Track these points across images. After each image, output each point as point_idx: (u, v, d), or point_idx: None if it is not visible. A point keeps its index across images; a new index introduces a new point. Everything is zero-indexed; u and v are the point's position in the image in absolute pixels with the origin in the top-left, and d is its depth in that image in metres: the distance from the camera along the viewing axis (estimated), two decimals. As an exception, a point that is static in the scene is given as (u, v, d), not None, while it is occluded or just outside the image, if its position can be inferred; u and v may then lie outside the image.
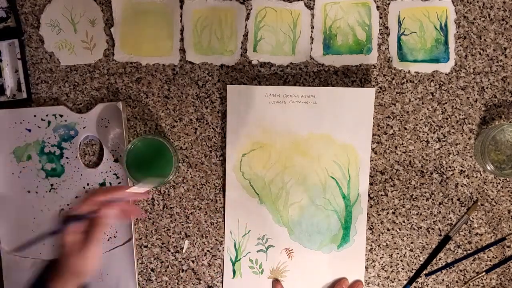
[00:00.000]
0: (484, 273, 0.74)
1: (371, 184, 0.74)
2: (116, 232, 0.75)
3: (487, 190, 0.74)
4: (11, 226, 0.75)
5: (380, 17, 0.75)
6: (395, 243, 0.75)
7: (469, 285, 0.74)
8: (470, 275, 0.74)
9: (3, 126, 0.75)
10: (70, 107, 0.76)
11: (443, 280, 0.74)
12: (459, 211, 0.74)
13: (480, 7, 0.75)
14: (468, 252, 0.74)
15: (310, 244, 0.74)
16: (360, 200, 0.74)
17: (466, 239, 0.74)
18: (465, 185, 0.74)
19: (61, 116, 0.75)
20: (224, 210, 0.75)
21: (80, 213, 0.59)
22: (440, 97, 0.74)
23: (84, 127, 0.75)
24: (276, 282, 0.74)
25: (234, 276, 0.75)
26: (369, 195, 0.74)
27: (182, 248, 0.75)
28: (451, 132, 0.74)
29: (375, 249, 0.75)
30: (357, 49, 0.75)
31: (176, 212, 0.75)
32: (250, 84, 0.75)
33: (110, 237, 0.75)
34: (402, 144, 0.75)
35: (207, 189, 0.75)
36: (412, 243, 0.74)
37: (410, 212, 0.74)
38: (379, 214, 0.75)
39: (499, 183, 0.74)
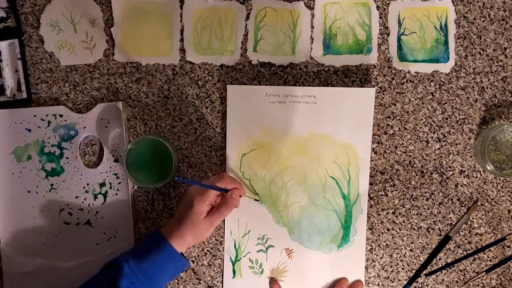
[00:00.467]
0: (484, 273, 0.74)
1: (371, 184, 0.74)
2: (116, 232, 0.75)
3: (487, 190, 0.74)
4: (11, 226, 0.75)
5: (380, 17, 0.75)
6: (395, 243, 0.75)
7: (469, 285, 0.74)
8: (470, 275, 0.74)
9: (3, 126, 0.75)
10: (70, 107, 0.76)
11: (443, 280, 0.74)
12: (459, 211, 0.74)
13: (480, 7, 0.75)
14: (468, 252, 0.74)
15: (310, 244, 0.74)
16: (360, 200, 0.74)
17: (466, 239, 0.74)
18: (465, 185, 0.74)
19: (61, 116, 0.75)
20: (224, 210, 0.75)
21: (220, 186, 0.68)
22: (440, 97, 0.74)
23: (84, 127, 0.75)
24: (273, 281, 0.74)
25: (234, 276, 0.75)
26: (369, 195, 0.74)
27: (182, 248, 0.75)
28: (451, 132, 0.74)
29: (375, 249, 0.75)
30: (357, 49, 0.75)
31: (176, 212, 0.75)
32: (250, 84, 0.75)
33: (110, 237, 0.75)
34: (402, 144, 0.75)
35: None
36: (412, 243, 0.74)
37: (410, 212, 0.74)
38: (379, 214, 0.75)
39: (499, 183, 0.74)
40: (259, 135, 0.74)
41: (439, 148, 0.74)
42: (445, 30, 0.75)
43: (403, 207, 0.75)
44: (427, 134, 0.74)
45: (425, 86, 0.75)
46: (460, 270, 0.74)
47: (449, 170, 0.74)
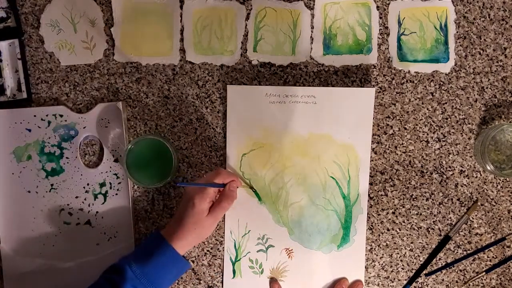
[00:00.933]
0: (484, 273, 0.74)
1: (371, 184, 0.74)
2: (116, 232, 0.75)
3: (487, 190, 0.74)
4: (11, 226, 0.75)
5: (380, 17, 0.75)
6: (395, 243, 0.75)
7: (469, 285, 0.74)
8: (470, 275, 0.74)
9: (3, 126, 0.75)
10: (70, 107, 0.76)
11: (443, 280, 0.74)
12: (459, 211, 0.74)
13: (480, 7, 0.75)
14: (468, 252, 0.74)
15: (310, 244, 0.74)
16: (360, 200, 0.74)
17: (466, 239, 0.74)
18: (465, 185, 0.74)
19: (61, 116, 0.75)
20: (224, 210, 0.75)
21: (218, 183, 0.68)
22: (440, 97, 0.75)
23: (84, 127, 0.75)
24: (273, 281, 0.74)
25: (234, 276, 0.75)
26: (369, 195, 0.74)
27: (182, 248, 0.75)
28: (451, 132, 0.74)
29: (375, 249, 0.75)
30: (357, 49, 0.75)
31: (176, 212, 0.75)
32: (250, 84, 0.75)
33: (110, 237, 0.75)
34: (402, 144, 0.75)
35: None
36: (412, 243, 0.74)
37: (410, 212, 0.74)
38: (379, 214, 0.75)
39: (499, 183, 0.74)
40: (259, 135, 0.74)
41: (439, 148, 0.74)
42: (445, 30, 0.75)
43: (403, 207, 0.75)
44: (427, 134, 0.74)
45: (425, 86, 0.75)
46: (460, 270, 0.74)
47: (449, 170, 0.74)
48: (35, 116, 0.75)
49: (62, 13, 0.76)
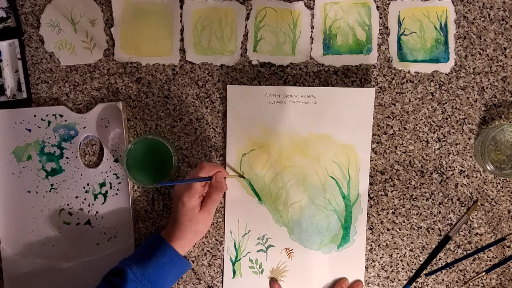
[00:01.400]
0: (484, 273, 0.74)
1: (371, 184, 0.74)
2: (116, 232, 0.75)
3: (487, 190, 0.74)
4: (11, 226, 0.75)
5: (380, 17, 0.75)
6: (395, 243, 0.75)
7: (469, 285, 0.74)
8: (470, 275, 0.74)
9: (3, 126, 0.75)
10: (70, 107, 0.76)
11: (443, 280, 0.74)
12: (459, 211, 0.74)
13: (480, 7, 0.75)
14: (468, 252, 0.74)
15: (310, 244, 0.74)
16: (360, 200, 0.74)
17: (466, 239, 0.74)
18: (465, 185, 0.74)
19: (61, 116, 0.75)
20: (224, 210, 0.75)
21: (203, 176, 0.68)
22: (440, 97, 0.75)
23: (84, 127, 0.75)
24: (273, 281, 0.74)
25: (234, 276, 0.75)
26: (369, 195, 0.74)
27: (182, 248, 0.75)
28: (451, 132, 0.74)
29: (375, 249, 0.75)
30: (357, 49, 0.75)
31: (176, 212, 0.75)
32: (250, 84, 0.75)
33: (110, 237, 0.75)
34: (402, 144, 0.75)
35: (207, 189, 0.75)
36: (412, 243, 0.74)
37: (410, 212, 0.74)
38: (379, 214, 0.75)
39: (499, 183, 0.74)
40: (259, 135, 0.74)
41: (439, 148, 0.74)
42: (445, 30, 0.75)
43: (403, 207, 0.75)
44: (427, 134, 0.74)
45: (425, 86, 0.75)
46: (460, 270, 0.74)
47: (449, 170, 0.74)
48: (35, 116, 0.75)
49: (62, 13, 0.76)
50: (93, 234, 0.75)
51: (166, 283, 0.67)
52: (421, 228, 0.74)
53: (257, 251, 0.74)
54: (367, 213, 0.74)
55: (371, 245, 0.75)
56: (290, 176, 0.74)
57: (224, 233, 0.75)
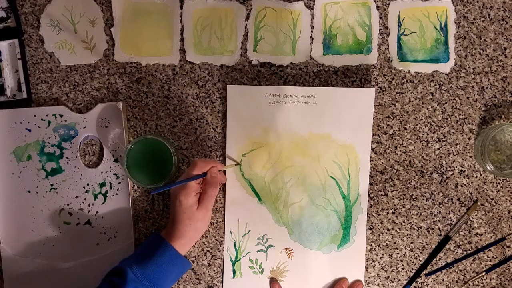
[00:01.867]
0: (484, 273, 0.74)
1: (371, 184, 0.74)
2: (116, 232, 0.75)
3: (487, 190, 0.74)
4: (11, 226, 0.75)
5: (380, 17, 0.75)
6: (395, 243, 0.75)
7: (469, 285, 0.74)
8: (470, 275, 0.74)
9: (3, 126, 0.75)
10: (70, 107, 0.76)
11: (443, 280, 0.74)
12: (459, 211, 0.74)
13: (480, 7, 0.75)
14: (468, 252, 0.74)
15: (310, 244, 0.74)
16: (360, 200, 0.74)
17: (466, 239, 0.74)
18: (465, 185, 0.74)
19: (61, 116, 0.75)
20: (224, 210, 0.75)
21: (197, 174, 0.67)
22: (440, 97, 0.75)
23: (84, 127, 0.75)
24: (273, 281, 0.74)
25: (234, 276, 0.75)
26: (369, 195, 0.74)
27: (182, 248, 0.75)
28: (451, 132, 0.74)
29: (375, 249, 0.75)
30: (357, 49, 0.75)
31: (176, 212, 0.75)
32: (250, 84, 0.75)
33: (110, 237, 0.75)
34: (402, 144, 0.75)
35: (207, 189, 0.75)
36: (412, 243, 0.74)
37: (410, 212, 0.74)
38: (379, 214, 0.75)
39: (499, 183, 0.74)
40: (259, 135, 0.74)
41: (439, 148, 0.74)
42: (445, 30, 0.75)
43: (403, 207, 0.75)
44: (427, 134, 0.74)
45: (425, 86, 0.75)
46: (460, 270, 0.74)
47: (449, 170, 0.74)
48: (35, 116, 0.75)
49: (62, 13, 0.76)
50: (93, 234, 0.75)
51: (167, 282, 0.67)
52: (421, 228, 0.74)
53: (257, 251, 0.74)
54: (367, 213, 0.74)
55: (371, 245, 0.75)
56: (290, 176, 0.74)
57: (224, 233, 0.75)
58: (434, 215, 0.74)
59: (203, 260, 0.75)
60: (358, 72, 0.75)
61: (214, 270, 0.75)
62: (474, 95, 0.74)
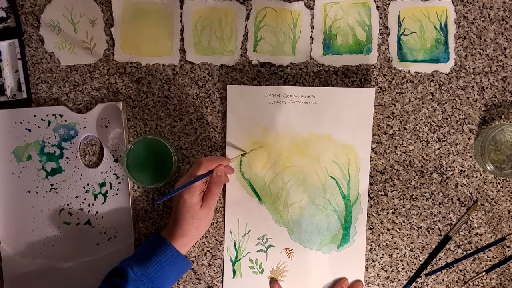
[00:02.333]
0: (484, 273, 0.74)
1: (371, 184, 0.74)
2: (116, 232, 0.75)
3: (487, 190, 0.74)
4: (11, 226, 0.75)
5: (380, 17, 0.75)
6: (395, 243, 0.75)
7: (469, 285, 0.74)
8: (470, 275, 0.74)
9: (3, 126, 0.75)
10: (70, 107, 0.76)
11: (443, 280, 0.74)
12: (459, 211, 0.74)
13: (480, 7, 0.75)
14: (468, 252, 0.74)
15: (310, 244, 0.74)
16: (360, 200, 0.74)
17: (466, 239, 0.74)
18: (465, 185, 0.74)
19: (61, 116, 0.75)
20: (224, 210, 0.75)
21: (202, 173, 0.67)
22: (440, 97, 0.75)
23: (84, 127, 0.75)
24: (273, 281, 0.74)
25: (234, 276, 0.75)
26: (369, 195, 0.74)
27: (182, 248, 0.75)
28: (451, 132, 0.74)
29: (375, 249, 0.75)
30: (357, 49, 0.75)
31: (176, 212, 0.75)
32: (250, 84, 0.75)
33: (110, 237, 0.75)
34: (402, 144, 0.75)
35: (207, 189, 0.75)
36: (412, 243, 0.74)
37: (410, 212, 0.74)
38: (379, 214, 0.75)
39: (499, 183, 0.74)
40: (259, 135, 0.74)
41: (439, 148, 0.74)
42: (445, 30, 0.75)
43: (403, 207, 0.75)
44: (427, 134, 0.74)
45: (425, 86, 0.75)
46: (460, 270, 0.74)
47: (449, 170, 0.74)
48: (35, 116, 0.75)
49: (62, 13, 0.76)
50: (93, 234, 0.75)
51: (167, 282, 0.67)
52: (421, 228, 0.74)
53: (257, 251, 0.74)
54: (367, 213, 0.74)
55: (371, 245, 0.75)
56: (290, 176, 0.74)
57: (224, 233, 0.75)
58: (434, 215, 0.74)
59: (203, 260, 0.75)
60: (358, 72, 0.75)
61: (214, 270, 0.75)
62: (474, 95, 0.74)
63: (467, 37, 0.75)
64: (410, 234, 0.74)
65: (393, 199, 0.75)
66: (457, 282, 0.74)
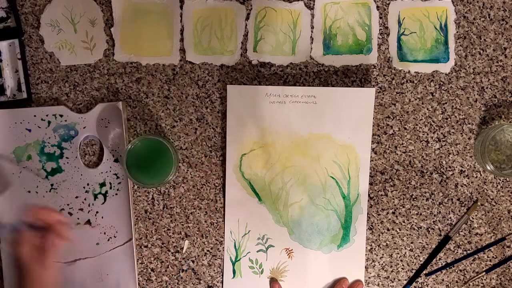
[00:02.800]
0: (484, 273, 0.74)
1: (371, 184, 0.74)
2: (116, 232, 0.75)
3: (487, 190, 0.74)
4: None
5: (380, 17, 0.75)
6: (395, 243, 0.75)
7: (469, 285, 0.74)
8: (470, 275, 0.74)
9: (3, 126, 0.75)
10: (70, 107, 0.76)
11: (443, 280, 0.74)
12: (459, 211, 0.74)
13: (480, 7, 0.75)
14: (468, 252, 0.74)
15: (310, 244, 0.74)
16: (360, 200, 0.74)
17: (466, 239, 0.74)
18: (465, 185, 0.74)
19: (61, 116, 0.75)
20: (224, 210, 0.75)
21: (34, 223, 0.60)
22: (440, 97, 0.75)
23: (84, 127, 0.75)
24: (273, 281, 0.74)
25: (234, 276, 0.75)
26: (369, 195, 0.74)
27: (182, 248, 0.75)
28: (451, 132, 0.74)
29: (375, 249, 0.75)
30: (357, 49, 0.75)
31: (176, 212, 0.75)
32: (250, 84, 0.75)
33: (110, 237, 0.75)
34: (402, 144, 0.75)
35: (207, 189, 0.75)
36: (412, 243, 0.74)
37: (410, 212, 0.74)
38: (379, 214, 0.75)
39: (499, 183, 0.74)
40: (259, 135, 0.74)
41: (439, 148, 0.74)
42: (445, 30, 0.75)
43: (403, 207, 0.75)
44: (427, 134, 0.74)
45: (425, 86, 0.75)
46: (460, 270, 0.74)
47: (449, 170, 0.74)
48: (35, 116, 0.75)
49: (62, 13, 0.76)
50: (93, 234, 0.75)
51: None
52: (421, 228, 0.74)
53: (257, 251, 0.74)
54: (367, 213, 0.74)
55: (371, 245, 0.75)
56: (290, 176, 0.74)
57: (224, 233, 0.75)
58: (434, 215, 0.74)
59: (203, 260, 0.75)
60: (358, 72, 0.75)
61: (214, 270, 0.75)
62: (474, 95, 0.74)
63: (467, 37, 0.75)
64: (410, 234, 0.74)
65: (393, 199, 0.75)
66: (457, 282, 0.74)
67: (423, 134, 0.74)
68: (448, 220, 0.74)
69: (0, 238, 0.68)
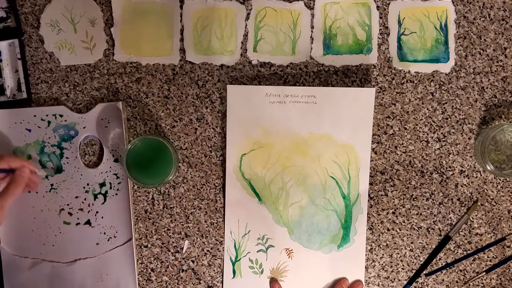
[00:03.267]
0: (484, 273, 0.74)
1: (371, 184, 0.74)
2: (116, 232, 0.75)
3: (487, 190, 0.74)
4: (11, 226, 0.75)
5: (380, 17, 0.75)
6: (395, 243, 0.75)
7: (469, 285, 0.74)
8: (470, 275, 0.74)
9: (3, 126, 0.75)
10: (70, 107, 0.76)
11: (443, 280, 0.74)
12: (459, 211, 0.74)
13: (480, 7, 0.75)
14: (468, 252, 0.74)
15: (310, 244, 0.74)
16: (360, 200, 0.74)
17: (466, 239, 0.74)
18: (465, 185, 0.74)
19: (61, 116, 0.75)
20: (224, 210, 0.75)
21: (2, 167, 0.64)
22: (440, 97, 0.75)
23: (84, 127, 0.75)
24: (273, 281, 0.74)
25: (234, 276, 0.75)
26: (369, 195, 0.74)
27: (182, 248, 0.75)
28: (451, 132, 0.74)
29: (375, 249, 0.75)
30: (357, 49, 0.75)
31: (176, 212, 0.75)
32: (250, 84, 0.75)
33: (110, 237, 0.75)
34: (402, 144, 0.75)
35: (207, 189, 0.75)
36: (412, 243, 0.74)
37: (410, 212, 0.74)
38: (379, 214, 0.75)
39: (499, 183, 0.74)
40: (259, 135, 0.74)
41: (439, 148, 0.74)
42: (445, 30, 0.75)
43: (403, 207, 0.75)
44: (427, 134, 0.74)
45: (425, 86, 0.75)
46: (460, 270, 0.74)
47: (449, 170, 0.74)
48: (35, 116, 0.75)
49: (62, 13, 0.76)
50: (93, 234, 0.75)
51: None
52: (421, 228, 0.74)
53: (257, 251, 0.74)
54: (367, 213, 0.74)
55: (371, 245, 0.75)
56: (290, 176, 0.74)
57: (224, 233, 0.75)
58: (434, 215, 0.74)
59: (203, 260, 0.75)
60: (358, 72, 0.75)
61: (214, 270, 0.75)
62: (474, 95, 0.74)
63: (467, 37, 0.75)
64: (410, 234, 0.74)
65: (393, 199, 0.75)
66: (457, 282, 0.74)
67: (423, 134, 0.75)
68: (448, 220, 0.74)
69: None
